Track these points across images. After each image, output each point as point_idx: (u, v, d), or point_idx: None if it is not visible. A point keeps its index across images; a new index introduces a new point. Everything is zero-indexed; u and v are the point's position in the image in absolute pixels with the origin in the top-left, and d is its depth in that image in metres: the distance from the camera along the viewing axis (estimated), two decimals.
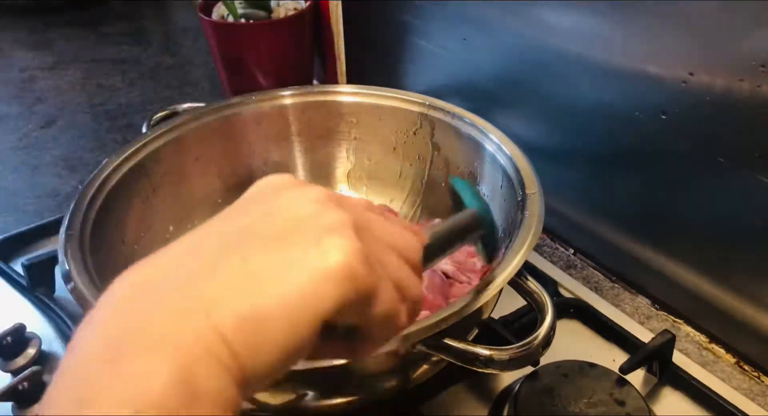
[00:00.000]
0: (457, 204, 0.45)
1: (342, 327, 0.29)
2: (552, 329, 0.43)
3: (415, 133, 0.69)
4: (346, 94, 0.71)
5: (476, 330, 0.50)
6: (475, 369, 0.42)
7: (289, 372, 0.26)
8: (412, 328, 0.41)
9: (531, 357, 0.42)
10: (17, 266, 0.71)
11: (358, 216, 0.28)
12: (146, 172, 0.62)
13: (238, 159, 0.71)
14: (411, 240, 0.32)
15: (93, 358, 0.22)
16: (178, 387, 0.21)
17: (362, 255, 0.26)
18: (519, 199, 0.54)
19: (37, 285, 0.68)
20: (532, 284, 0.46)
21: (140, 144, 0.62)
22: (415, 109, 0.68)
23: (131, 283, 0.25)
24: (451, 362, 0.43)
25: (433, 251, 0.37)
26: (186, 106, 0.69)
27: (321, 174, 0.74)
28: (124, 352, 0.22)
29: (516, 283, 0.47)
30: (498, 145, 0.60)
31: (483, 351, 0.42)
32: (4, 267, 0.72)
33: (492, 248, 0.47)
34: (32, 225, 0.76)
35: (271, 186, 0.30)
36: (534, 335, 0.42)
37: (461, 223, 0.42)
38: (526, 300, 0.47)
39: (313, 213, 0.27)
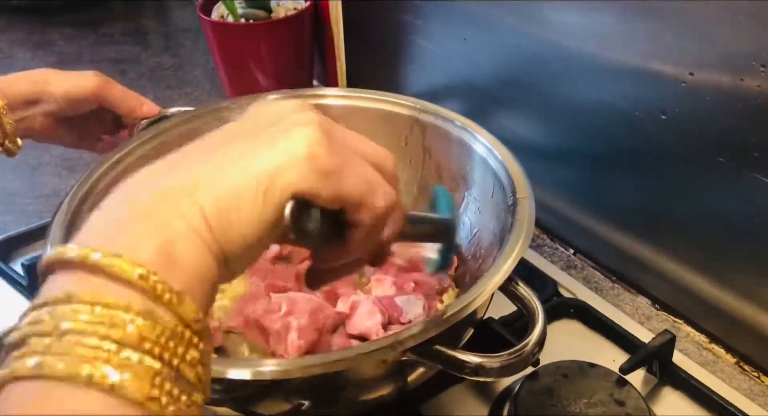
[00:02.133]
0: (432, 208, 0.44)
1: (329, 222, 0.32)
2: (543, 335, 0.42)
3: (406, 137, 0.67)
4: (337, 97, 0.69)
5: (471, 331, 0.50)
6: (465, 376, 0.41)
7: (284, 383, 0.26)
8: (402, 335, 0.40)
9: (522, 364, 0.41)
10: (17, 266, 0.71)
11: (332, 125, 0.32)
12: None
13: None
14: (384, 152, 0.35)
15: (94, 234, 0.27)
16: (160, 257, 0.26)
17: (326, 142, 0.30)
18: (509, 203, 0.53)
19: (37, 285, 0.67)
20: (523, 289, 0.46)
21: (125, 150, 0.60)
22: (407, 112, 0.66)
23: (139, 173, 0.30)
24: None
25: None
26: (174, 110, 0.68)
27: None
28: (119, 228, 0.27)
29: (506, 289, 0.46)
30: (489, 149, 0.58)
31: (473, 358, 0.41)
32: (4, 267, 0.71)
33: (444, 262, 0.45)
34: (32, 226, 0.76)
35: (265, 101, 0.35)
36: (525, 341, 0.42)
37: (435, 223, 0.42)
38: (516, 305, 0.46)
39: (288, 112, 0.32)
